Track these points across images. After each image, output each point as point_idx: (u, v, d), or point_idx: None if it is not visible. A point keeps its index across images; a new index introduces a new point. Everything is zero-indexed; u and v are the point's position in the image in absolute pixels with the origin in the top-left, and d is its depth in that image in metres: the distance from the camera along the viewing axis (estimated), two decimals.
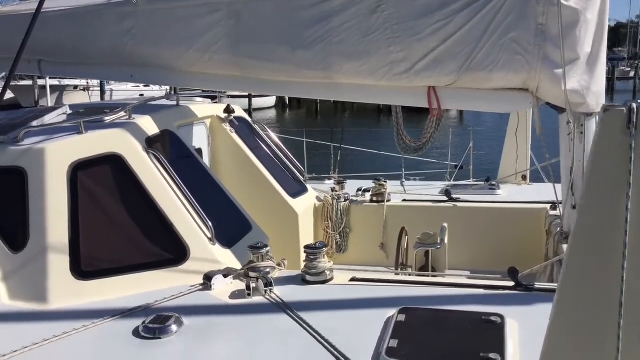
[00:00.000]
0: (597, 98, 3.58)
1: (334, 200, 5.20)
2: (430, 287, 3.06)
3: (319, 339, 2.54)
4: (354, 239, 5.25)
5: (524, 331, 2.50)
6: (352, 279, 3.19)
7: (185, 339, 2.63)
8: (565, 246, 3.63)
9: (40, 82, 29.50)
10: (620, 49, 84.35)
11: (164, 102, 4.62)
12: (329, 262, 3.22)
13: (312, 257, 3.19)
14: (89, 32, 4.35)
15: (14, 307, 3.03)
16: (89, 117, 3.65)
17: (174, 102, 4.52)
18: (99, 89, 32.11)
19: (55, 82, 30.15)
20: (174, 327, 2.68)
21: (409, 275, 3.79)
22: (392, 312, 2.71)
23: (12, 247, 3.17)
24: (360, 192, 5.44)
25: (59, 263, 3.12)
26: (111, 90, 33.33)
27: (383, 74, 3.75)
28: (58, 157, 3.28)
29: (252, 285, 3.04)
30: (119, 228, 3.30)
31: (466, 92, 3.76)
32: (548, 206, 4.68)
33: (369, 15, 3.69)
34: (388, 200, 5.22)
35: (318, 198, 5.34)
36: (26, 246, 3.15)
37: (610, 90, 47.71)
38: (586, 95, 3.52)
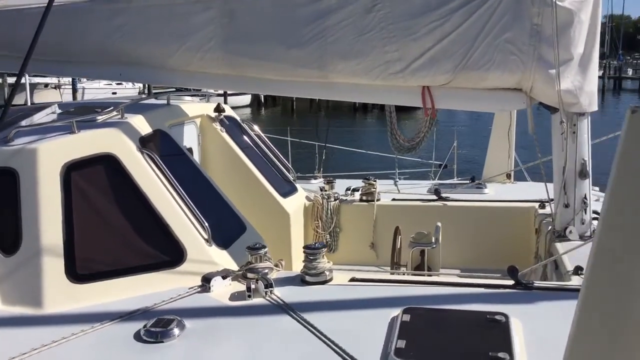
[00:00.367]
0: (589, 98, 3.63)
1: (324, 199, 5.18)
2: (431, 286, 3.07)
3: (325, 340, 2.53)
4: (344, 238, 5.24)
5: (528, 330, 2.53)
6: (352, 279, 3.18)
7: (188, 342, 2.59)
8: (558, 245, 3.67)
9: (10, 79, 28.87)
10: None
11: (153, 100, 4.55)
12: (328, 262, 3.21)
13: (311, 257, 3.17)
14: (77, 29, 4.26)
15: (8, 312, 2.95)
16: (81, 116, 3.57)
17: (164, 101, 4.45)
18: (70, 87, 31.55)
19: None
20: (176, 331, 2.64)
21: (406, 274, 3.80)
22: (395, 312, 2.71)
23: (4, 250, 3.09)
24: (349, 192, 5.43)
25: (53, 266, 3.05)
26: (83, 89, 32.80)
27: (378, 73, 3.75)
28: (51, 157, 3.20)
29: (252, 286, 3.01)
30: (114, 230, 3.24)
31: (460, 91, 3.78)
32: (537, 205, 4.73)
33: (365, 14, 3.69)
34: (378, 200, 5.22)
35: (308, 198, 5.32)
36: (19, 249, 3.07)
37: None
38: (579, 95, 3.58)
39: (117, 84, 33.02)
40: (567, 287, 3.00)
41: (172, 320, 2.69)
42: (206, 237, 3.33)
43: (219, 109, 4.94)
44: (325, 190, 5.31)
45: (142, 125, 3.67)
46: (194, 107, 4.74)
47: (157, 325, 2.66)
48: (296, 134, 8.51)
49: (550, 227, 3.94)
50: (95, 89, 31.97)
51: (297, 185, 5.33)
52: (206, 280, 3.10)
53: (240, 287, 3.10)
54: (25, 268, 3.04)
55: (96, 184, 3.27)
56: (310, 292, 3.05)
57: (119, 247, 3.22)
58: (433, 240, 3.93)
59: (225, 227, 3.68)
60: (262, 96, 42.81)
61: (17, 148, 3.23)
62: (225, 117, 5.04)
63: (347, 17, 3.72)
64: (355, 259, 5.04)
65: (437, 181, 6.39)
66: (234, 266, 3.34)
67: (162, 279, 3.16)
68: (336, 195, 5.31)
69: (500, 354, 2.28)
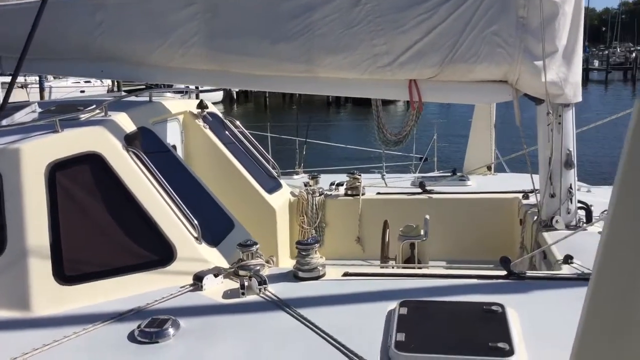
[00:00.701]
0: (574, 89, 3.68)
1: (309, 195, 5.16)
2: (424, 279, 3.08)
3: (324, 336, 2.51)
4: (330, 233, 5.23)
5: (524, 319, 2.55)
6: (345, 274, 3.17)
7: (185, 341, 2.55)
8: (545, 234, 3.71)
9: None
10: None
11: (133, 97, 4.46)
12: (320, 257, 3.19)
13: (304, 252, 3.14)
14: (56, 25, 4.14)
15: None
16: (63, 114, 3.48)
17: (146, 98, 4.37)
18: (37, 85, 30.86)
19: None
20: (171, 330, 2.59)
21: (398, 267, 3.80)
22: (391, 305, 2.71)
23: None
24: (333, 187, 5.42)
25: (40, 268, 2.97)
26: (50, 87, 32.13)
27: (366, 67, 3.74)
28: (34, 157, 3.12)
29: (246, 283, 2.98)
30: (101, 230, 3.17)
31: (447, 84, 3.79)
32: (520, 195, 4.78)
33: (351, 8, 3.67)
34: (363, 194, 5.22)
35: (292, 193, 5.30)
36: (4, 251, 2.98)
37: None
38: (564, 86, 3.62)
39: (85, 82, 32.43)
40: (558, 276, 3.04)
41: (166, 320, 2.65)
42: (196, 235, 3.28)
43: (201, 106, 4.88)
44: (310, 186, 5.29)
45: (126, 122, 3.60)
46: (176, 104, 4.67)
47: (151, 325, 2.61)
48: (273, 129, 8.47)
49: (536, 217, 3.99)
50: (64, 88, 31.36)
51: (282, 181, 5.30)
52: (198, 278, 3.06)
53: (233, 284, 3.07)
54: (12, 271, 2.96)
55: (82, 183, 3.19)
56: (304, 288, 3.03)
57: (108, 247, 3.15)
58: (422, 233, 3.94)
59: (213, 224, 3.64)
60: (235, 92, 42.49)
61: None
62: (208, 113, 4.98)
63: (334, 10, 3.69)
64: (341, 254, 5.04)
65: (419, 174, 6.42)
66: (224, 264, 3.31)
67: (152, 278, 3.11)
68: (321, 190, 5.29)
69: (500, 344, 2.30)
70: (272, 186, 5.05)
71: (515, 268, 3.05)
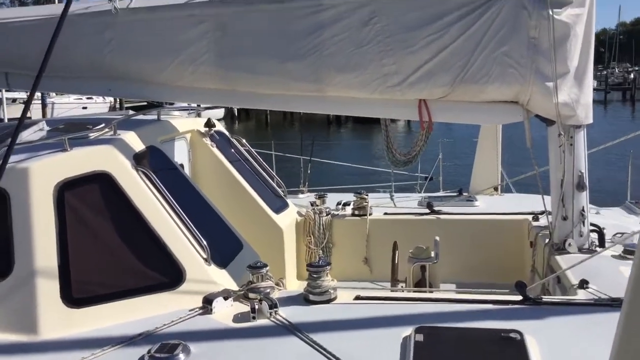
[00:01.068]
0: (585, 110, 3.65)
1: (316, 214, 5.11)
2: (438, 303, 3.02)
3: None
4: (337, 253, 5.17)
5: (543, 347, 2.49)
6: (357, 297, 3.11)
7: None
8: (558, 258, 3.66)
9: None
10: None
11: (141, 116, 4.44)
12: (332, 280, 3.14)
13: (315, 275, 3.09)
14: (65, 43, 4.12)
15: (1, 339, 2.80)
16: (72, 133, 3.45)
17: (154, 117, 4.34)
18: (39, 102, 30.92)
19: None
20: (181, 356, 2.53)
21: (410, 291, 3.74)
22: (406, 331, 2.65)
23: None
24: (340, 206, 5.37)
25: (47, 290, 2.91)
26: (52, 104, 32.20)
27: (376, 86, 3.72)
28: (43, 176, 3.08)
29: (256, 307, 2.92)
30: (110, 251, 3.12)
31: (457, 104, 3.77)
32: (530, 217, 4.73)
33: (361, 27, 3.66)
34: (370, 214, 5.17)
35: (299, 213, 5.24)
36: (11, 273, 2.93)
37: None
38: (576, 107, 3.60)
39: (88, 98, 32.51)
40: (575, 301, 2.98)
41: (177, 345, 2.59)
42: (205, 256, 3.23)
43: (209, 124, 4.85)
44: (317, 205, 5.24)
45: (134, 141, 3.56)
46: (184, 123, 4.64)
47: (161, 350, 2.55)
48: (275, 147, 8.44)
49: (547, 240, 3.93)
50: (66, 104, 31.43)
51: (288, 201, 5.26)
52: (207, 301, 3.00)
53: (243, 307, 3.01)
54: (19, 292, 2.90)
55: (91, 203, 3.15)
56: (316, 312, 2.97)
57: (116, 268, 3.10)
58: (433, 255, 3.88)
59: (222, 245, 3.59)
60: (236, 109, 42.58)
61: (6, 167, 3.09)
62: (215, 132, 4.95)
63: (344, 30, 3.68)
64: (349, 275, 4.97)
65: (425, 194, 6.38)
66: (233, 285, 3.25)
67: (161, 300, 3.05)
68: (328, 210, 5.24)
69: None
70: (279, 205, 5.01)
71: (530, 292, 3.00)
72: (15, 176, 3.03)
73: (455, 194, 5.97)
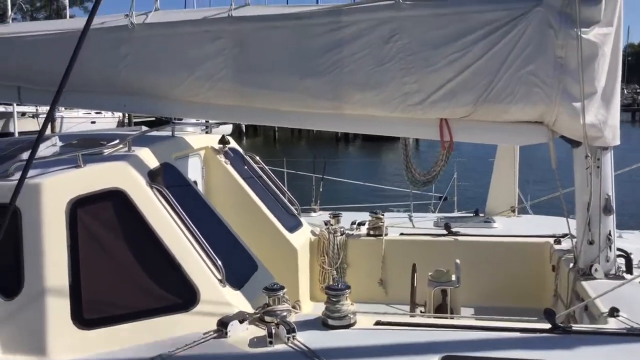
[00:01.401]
0: (613, 132, 3.55)
1: (330, 234, 5.00)
2: (463, 330, 2.90)
3: None
4: (352, 274, 5.04)
5: None
6: (377, 323, 3.00)
7: None
8: (584, 284, 3.53)
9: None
10: None
11: (155, 132, 4.37)
12: (351, 304, 3.03)
13: (334, 299, 2.98)
14: (80, 58, 4.06)
15: None
16: (85, 149, 3.38)
17: (168, 133, 4.27)
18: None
19: (1, 108, 29.10)
20: None
21: (431, 317, 3.62)
22: (430, 359, 2.54)
23: (5, 293, 2.86)
24: (354, 226, 5.25)
25: (58, 310, 2.82)
26: (62, 118, 32.38)
27: (396, 105, 3.63)
28: (55, 193, 3.00)
29: (273, 331, 2.81)
30: (123, 270, 3.02)
31: (479, 124, 3.68)
32: (551, 240, 4.60)
33: (382, 45, 3.58)
34: (386, 234, 5.05)
35: (313, 232, 5.14)
36: (21, 292, 2.84)
37: None
38: (603, 129, 3.50)
39: (97, 113, 32.65)
40: (606, 330, 2.86)
41: None
42: (220, 277, 3.13)
43: (223, 141, 4.78)
44: (331, 225, 5.12)
45: (149, 158, 3.49)
46: (198, 139, 4.57)
47: None
48: (286, 165, 8.36)
49: (572, 265, 3.81)
50: (74, 119, 31.59)
51: (302, 220, 5.15)
52: (222, 324, 2.90)
53: (259, 331, 2.91)
54: (28, 313, 2.81)
55: (104, 221, 3.07)
56: (335, 337, 2.86)
57: (129, 289, 3.00)
58: (454, 279, 3.76)
59: (236, 265, 3.49)
60: (244, 125, 42.68)
61: None
62: (230, 149, 4.87)
63: (364, 47, 3.61)
64: (363, 296, 4.84)
65: (440, 214, 6.25)
66: (248, 308, 3.14)
67: (174, 322, 2.95)
68: (342, 229, 5.13)
69: None
70: (294, 224, 4.90)
71: (558, 320, 2.88)
72: (28, 192, 2.94)
73: (471, 214, 5.85)
